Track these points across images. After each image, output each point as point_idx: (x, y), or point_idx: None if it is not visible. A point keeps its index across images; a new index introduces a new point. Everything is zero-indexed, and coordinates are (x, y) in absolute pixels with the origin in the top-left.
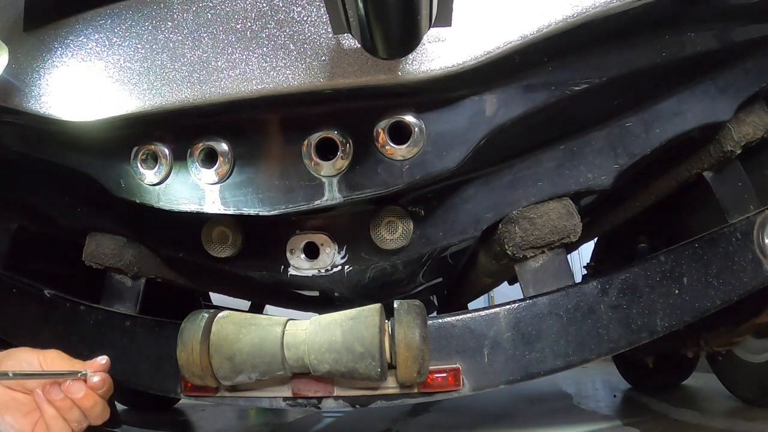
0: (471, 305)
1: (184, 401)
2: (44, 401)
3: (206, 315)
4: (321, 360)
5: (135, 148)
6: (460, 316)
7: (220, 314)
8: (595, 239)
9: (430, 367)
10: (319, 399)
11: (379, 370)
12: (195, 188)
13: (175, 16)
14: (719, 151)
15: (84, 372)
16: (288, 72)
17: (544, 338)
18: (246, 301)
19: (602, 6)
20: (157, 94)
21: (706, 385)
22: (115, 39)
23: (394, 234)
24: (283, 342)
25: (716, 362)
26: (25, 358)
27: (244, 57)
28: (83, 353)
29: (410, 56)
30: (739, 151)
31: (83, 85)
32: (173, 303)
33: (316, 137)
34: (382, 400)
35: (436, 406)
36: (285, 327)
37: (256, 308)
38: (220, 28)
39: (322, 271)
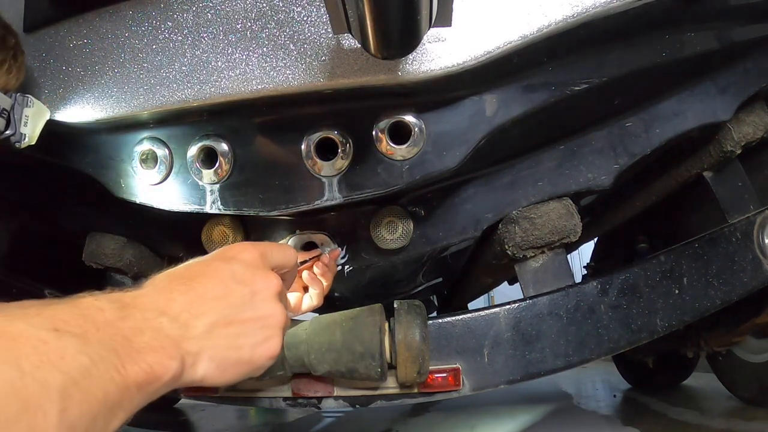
0: (471, 305)
1: (184, 401)
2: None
3: None
4: (321, 360)
5: (135, 148)
6: (460, 316)
7: None
8: (595, 239)
9: (430, 367)
10: (319, 399)
11: (379, 370)
12: (195, 188)
13: (175, 16)
14: (719, 151)
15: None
16: (288, 72)
17: (544, 338)
18: None
19: (602, 6)
20: (157, 94)
21: (706, 385)
22: (115, 39)
23: (394, 234)
24: (282, 342)
25: (716, 362)
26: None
27: (244, 57)
28: None
29: (410, 56)
30: (739, 151)
31: (83, 86)
32: None
33: (316, 137)
34: (382, 400)
35: (436, 406)
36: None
37: None
38: (220, 28)
39: None
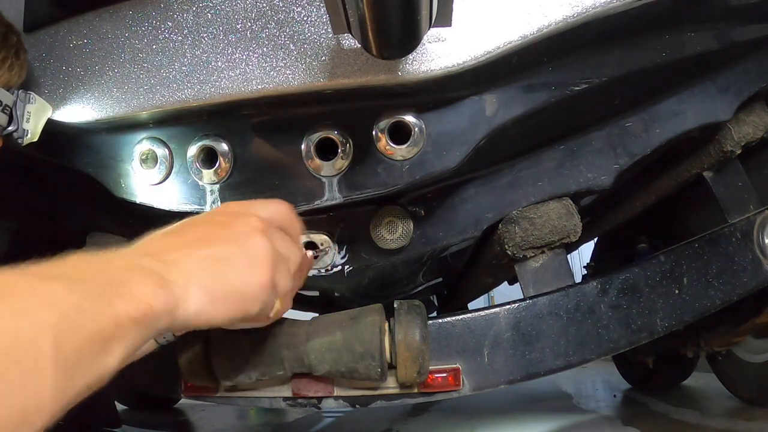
0: (471, 305)
1: (184, 401)
2: None
3: None
4: (321, 360)
5: (135, 148)
6: (460, 316)
7: None
8: (595, 239)
9: (430, 367)
10: (319, 399)
11: (379, 370)
12: (195, 188)
13: (176, 16)
14: (719, 151)
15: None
16: (288, 72)
17: (544, 338)
18: None
19: (602, 6)
20: (157, 94)
21: (706, 385)
22: (115, 39)
23: (394, 234)
24: (283, 342)
25: (716, 362)
26: None
27: (244, 57)
28: None
29: (410, 56)
30: (739, 151)
31: (83, 86)
32: None
33: (316, 137)
34: (382, 400)
35: (436, 406)
36: (284, 325)
37: None
38: (220, 28)
39: (322, 271)
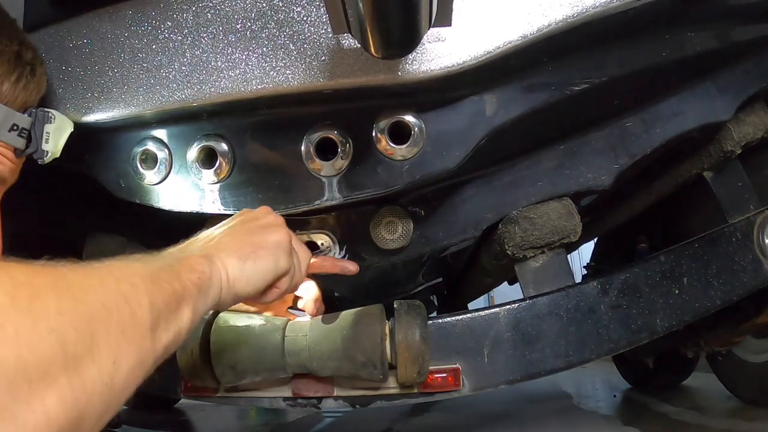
0: (471, 305)
1: (184, 401)
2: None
3: (204, 318)
4: (323, 367)
5: (135, 149)
6: (460, 316)
7: (218, 319)
8: (595, 239)
9: (430, 367)
10: (319, 399)
11: (381, 376)
12: (195, 188)
13: (175, 16)
14: (719, 151)
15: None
16: (288, 72)
17: (544, 338)
18: None
19: (602, 6)
20: (157, 95)
21: (706, 385)
22: (114, 40)
23: (394, 234)
24: (284, 349)
25: (716, 362)
26: None
27: (244, 57)
28: None
29: (410, 56)
30: (739, 151)
31: (83, 86)
32: None
33: (315, 137)
34: (382, 400)
35: (436, 406)
36: (284, 332)
37: None
38: (220, 28)
39: None
